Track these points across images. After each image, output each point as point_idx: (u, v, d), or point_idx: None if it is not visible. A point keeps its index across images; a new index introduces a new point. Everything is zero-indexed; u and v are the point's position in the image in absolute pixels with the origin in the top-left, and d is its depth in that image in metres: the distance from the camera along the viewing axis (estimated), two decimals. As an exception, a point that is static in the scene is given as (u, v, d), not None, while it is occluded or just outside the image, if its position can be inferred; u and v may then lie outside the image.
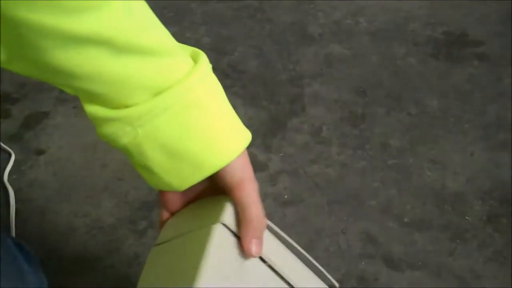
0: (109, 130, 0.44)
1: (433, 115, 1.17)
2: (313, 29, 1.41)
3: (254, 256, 0.45)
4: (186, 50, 0.47)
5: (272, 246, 0.48)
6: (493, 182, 1.03)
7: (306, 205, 1.00)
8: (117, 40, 0.40)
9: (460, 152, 1.09)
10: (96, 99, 0.43)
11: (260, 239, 0.46)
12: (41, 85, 1.25)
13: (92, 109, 0.44)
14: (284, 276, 0.47)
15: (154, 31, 0.44)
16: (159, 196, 0.52)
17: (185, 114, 0.44)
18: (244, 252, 0.45)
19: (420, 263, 0.91)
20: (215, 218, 0.45)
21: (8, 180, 1.04)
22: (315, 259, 0.53)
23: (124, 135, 0.44)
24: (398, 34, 1.38)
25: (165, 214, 0.53)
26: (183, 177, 0.46)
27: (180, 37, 1.36)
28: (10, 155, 1.09)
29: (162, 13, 1.45)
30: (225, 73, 1.27)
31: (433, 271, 0.90)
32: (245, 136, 0.48)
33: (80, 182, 1.05)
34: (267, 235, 0.48)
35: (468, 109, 1.18)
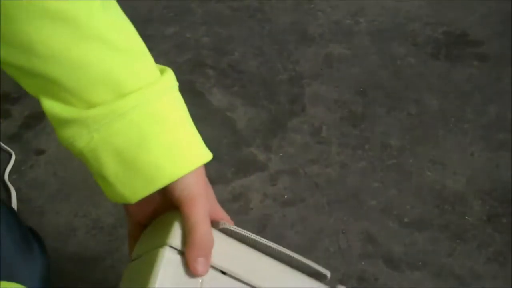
0: (67, 133, 0.44)
1: (433, 115, 1.17)
2: (313, 29, 1.41)
3: (200, 275, 0.44)
4: (155, 64, 0.47)
5: (233, 255, 0.48)
6: (493, 182, 1.03)
7: (306, 205, 1.00)
8: (85, 25, 0.40)
9: (460, 152, 1.09)
10: (56, 92, 0.42)
11: (205, 257, 0.45)
12: (41, 85, 1.25)
13: (51, 106, 0.43)
14: (251, 283, 0.47)
15: (125, 32, 0.43)
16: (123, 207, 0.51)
17: (144, 123, 0.43)
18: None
19: (420, 263, 0.91)
20: (163, 239, 0.45)
21: (9, 179, 1.04)
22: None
23: (80, 138, 0.43)
24: (398, 34, 1.38)
25: (130, 225, 0.53)
26: (136, 188, 0.45)
27: (180, 37, 1.36)
28: (10, 155, 1.09)
29: (162, 13, 1.45)
30: (225, 73, 1.27)
31: (433, 271, 0.90)
32: (202, 154, 0.47)
33: (80, 182, 1.05)
34: (229, 242, 0.48)
35: (468, 109, 1.18)
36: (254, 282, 0.47)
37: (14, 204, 0.99)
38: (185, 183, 0.45)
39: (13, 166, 1.07)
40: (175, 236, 0.46)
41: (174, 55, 1.30)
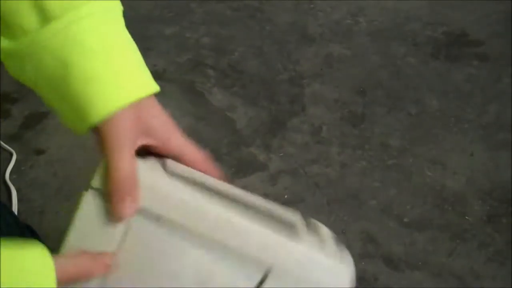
0: (13, 66, 0.42)
1: (433, 115, 1.17)
2: (313, 29, 1.41)
3: (121, 218, 0.41)
4: None
5: (174, 199, 0.42)
6: (493, 182, 1.03)
7: (306, 205, 1.00)
8: None
9: (460, 152, 1.09)
10: None
11: (127, 199, 0.41)
12: (41, 85, 1.25)
13: None
14: (190, 230, 0.41)
15: None
16: None
17: (63, 51, 0.40)
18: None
19: (420, 263, 0.91)
20: (89, 182, 0.44)
21: (9, 179, 1.04)
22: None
23: (23, 70, 0.41)
24: (398, 34, 1.38)
25: None
26: (75, 122, 0.42)
27: (180, 37, 1.36)
28: (11, 154, 1.09)
29: (162, 13, 1.45)
30: (225, 73, 1.27)
31: (433, 271, 0.90)
32: (134, 87, 0.42)
33: (80, 182, 1.05)
34: (174, 185, 0.43)
35: (468, 109, 1.18)
36: (193, 229, 0.41)
37: (15, 204, 0.99)
38: (114, 120, 0.41)
39: (13, 166, 1.07)
40: (99, 178, 0.44)
41: (174, 55, 1.30)
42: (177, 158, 0.44)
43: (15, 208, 0.98)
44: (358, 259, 0.92)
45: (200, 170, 0.44)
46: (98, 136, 0.42)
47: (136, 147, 0.43)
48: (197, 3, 1.49)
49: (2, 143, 1.11)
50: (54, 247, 1.00)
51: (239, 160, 1.07)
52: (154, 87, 0.43)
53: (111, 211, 0.42)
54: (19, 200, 1.01)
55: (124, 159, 0.42)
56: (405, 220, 0.97)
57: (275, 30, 1.41)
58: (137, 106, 0.42)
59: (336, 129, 1.14)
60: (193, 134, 1.19)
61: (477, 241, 0.94)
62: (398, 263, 0.91)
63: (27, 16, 0.40)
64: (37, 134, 1.15)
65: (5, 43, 0.41)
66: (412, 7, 1.46)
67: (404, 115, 1.17)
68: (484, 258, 0.91)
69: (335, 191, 1.02)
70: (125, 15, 0.47)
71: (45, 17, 0.40)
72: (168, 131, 0.44)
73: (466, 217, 0.98)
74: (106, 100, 0.40)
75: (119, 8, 0.43)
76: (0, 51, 0.42)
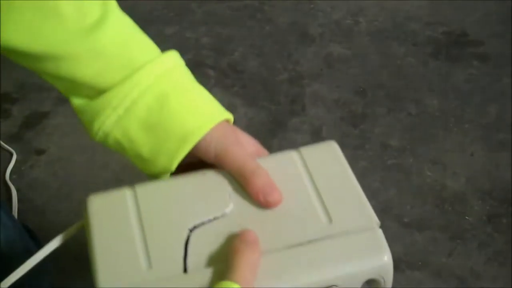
0: (96, 124, 0.46)
1: (433, 115, 1.17)
2: (313, 29, 1.41)
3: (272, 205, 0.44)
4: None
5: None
6: (493, 182, 1.03)
7: (306, 205, 1.00)
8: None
9: (460, 152, 1.09)
10: (81, 90, 0.46)
11: (272, 187, 0.44)
12: (41, 85, 1.25)
13: (79, 103, 0.47)
14: None
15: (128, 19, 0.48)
16: None
17: (159, 87, 0.45)
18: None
19: (420, 263, 0.91)
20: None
21: (9, 179, 1.04)
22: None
23: (107, 122, 0.46)
24: (398, 34, 1.38)
25: None
26: (170, 152, 0.46)
27: (180, 37, 1.36)
28: (11, 154, 1.09)
29: (162, 13, 1.45)
30: (225, 73, 1.27)
31: (433, 271, 0.90)
32: (223, 110, 0.48)
33: (80, 182, 1.05)
34: None
35: (468, 109, 1.18)
36: None
37: (15, 204, 0.99)
38: (215, 137, 0.46)
39: (13, 166, 1.07)
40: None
41: (174, 55, 1.30)
42: (242, 180, 0.46)
43: (15, 208, 0.98)
44: (358, 259, 0.92)
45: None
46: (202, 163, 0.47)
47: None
48: (197, 3, 1.49)
49: (2, 143, 1.11)
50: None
51: (239, 160, 1.07)
52: (231, 115, 0.49)
53: (265, 206, 0.44)
54: (19, 200, 1.01)
55: (247, 157, 0.46)
56: (405, 220, 0.97)
57: (275, 30, 1.41)
58: (226, 125, 0.48)
59: (336, 129, 1.14)
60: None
61: (477, 241, 0.94)
62: (398, 263, 0.91)
63: (113, 73, 0.45)
64: (37, 134, 1.15)
65: (87, 103, 0.47)
66: (412, 7, 1.46)
67: (404, 115, 1.17)
68: (484, 258, 0.91)
69: (335, 191, 1.02)
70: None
71: (133, 68, 0.45)
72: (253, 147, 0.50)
73: (466, 217, 0.98)
74: (206, 117, 0.46)
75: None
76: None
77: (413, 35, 1.38)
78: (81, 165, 1.08)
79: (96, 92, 0.46)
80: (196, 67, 1.28)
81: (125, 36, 0.46)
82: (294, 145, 0.49)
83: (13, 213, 0.98)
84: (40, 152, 1.11)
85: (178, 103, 0.46)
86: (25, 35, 0.43)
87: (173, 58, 0.48)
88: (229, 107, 0.49)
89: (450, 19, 1.42)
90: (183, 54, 0.48)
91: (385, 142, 1.11)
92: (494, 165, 1.06)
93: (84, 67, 0.44)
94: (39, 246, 0.64)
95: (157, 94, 0.45)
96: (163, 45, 0.48)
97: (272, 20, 1.44)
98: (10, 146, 1.11)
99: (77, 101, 0.47)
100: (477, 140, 1.11)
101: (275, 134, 1.13)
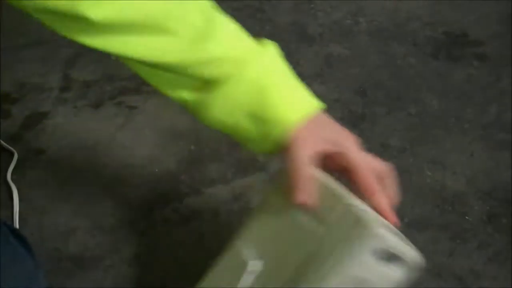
0: (215, 113, 0.57)
1: (433, 115, 1.17)
2: (313, 29, 1.41)
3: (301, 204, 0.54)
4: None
5: None
6: (493, 182, 1.03)
7: (306, 205, 1.00)
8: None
9: (460, 152, 1.09)
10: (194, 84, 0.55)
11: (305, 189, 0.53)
12: (41, 85, 1.25)
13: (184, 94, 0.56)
14: None
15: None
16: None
17: (261, 79, 0.54)
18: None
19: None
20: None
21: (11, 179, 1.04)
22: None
23: (220, 111, 0.56)
24: (398, 34, 1.38)
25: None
26: (271, 139, 0.54)
27: (180, 37, 1.36)
28: (12, 154, 1.09)
29: (162, 13, 1.45)
30: (225, 73, 1.27)
31: (433, 271, 0.90)
32: (313, 101, 0.56)
33: (80, 182, 1.05)
34: None
35: (468, 109, 1.18)
36: None
37: (16, 204, 0.99)
38: (293, 128, 0.53)
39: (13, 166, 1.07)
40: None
41: (174, 55, 1.30)
42: (351, 171, 0.53)
43: (16, 208, 0.98)
44: (358, 259, 0.92)
45: (367, 190, 0.60)
46: (281, 148, 0.55)
47: (317, 150, 0.54)
48: (197, 3, 1.49)
49: (3, 143, 1.11)
50: (54, 246, 1.00)
51: (239, 160, 1.07)
52: (322, 104, 0.57)
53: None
54: (19, 200, 1.01)
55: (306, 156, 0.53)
56: (405, 220, 0.97)
57: (275, 30, 1.41)
58: (314, 118, 0.55)
59: (336, 129, 1.14)
60: (193, 134, 1.19)
61: (477, 241, 0.94)
62: (398, 263, 0.91)
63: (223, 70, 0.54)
64: (37, 134, 1.15)
65: (190, 95, 0.57)
66: (412, 7, 1.46)
67: (404, 115, 1.17)
68: (484, 258, 0.91)
69: (335, 191, 1.02)
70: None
71: (240, 65, 0.55)
72: (347, 141, 0.57)
73: (466, 217, 0.98)
74: (294, 111, 0.54)
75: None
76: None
77: (413, 35, 1.38)
78: (81, 165, 1.08)
79: (201, 83, 0.54)
80: (196, 67, 1.28)
81: (232, 39, 0.56)
82: (294, 145, 0.49)
83: (14, 213, 0.98)
84: (40, 152, 1.11)
85: (277, 92, 0.54)
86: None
87: (269, 45, 0.59)
88: (229, 107, 0.50)
89: (450, 19, 1.42)
90: (183, 54, 0.48)
91: (385, 142, 1.11)
92: (494, 165, 1.06)
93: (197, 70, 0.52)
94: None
95: (258, 85, 0.54)
96: (163, 45, 0.48)
97: (272, 20, 1.44)
98: (10, 146, 1.11)
99: (181, 94, 0.56)
100: (477, 140, 1.11)
101: (275, 134, 1.13)
